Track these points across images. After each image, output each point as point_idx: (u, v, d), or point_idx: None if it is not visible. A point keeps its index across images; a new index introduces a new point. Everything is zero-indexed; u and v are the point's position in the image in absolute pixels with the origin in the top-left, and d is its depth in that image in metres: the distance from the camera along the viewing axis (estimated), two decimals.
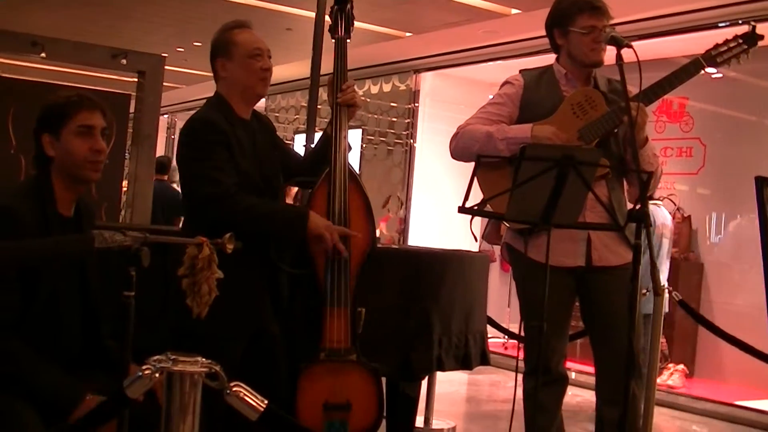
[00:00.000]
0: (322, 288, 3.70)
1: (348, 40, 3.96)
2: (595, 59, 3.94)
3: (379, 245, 4.32)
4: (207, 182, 3.53)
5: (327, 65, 4.69)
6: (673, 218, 9.15)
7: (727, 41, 3.83)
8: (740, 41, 3.82)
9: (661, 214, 8.04)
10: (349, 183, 3.79)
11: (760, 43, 3.86)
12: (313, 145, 4.26)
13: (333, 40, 3.96)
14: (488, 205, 3.56)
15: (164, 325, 3.60)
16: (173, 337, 3.43)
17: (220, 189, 3.50)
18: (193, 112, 3.78)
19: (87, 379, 3.02)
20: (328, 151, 3.81)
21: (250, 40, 3.70)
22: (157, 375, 2.05)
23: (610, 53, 3.68)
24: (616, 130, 3.87)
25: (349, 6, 3.97)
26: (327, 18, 4.21)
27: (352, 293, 3.73)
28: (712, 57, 3.83)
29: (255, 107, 3.85)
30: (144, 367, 2.06)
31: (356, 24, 4.03)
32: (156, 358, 2.08)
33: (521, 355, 4.00)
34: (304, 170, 3.99)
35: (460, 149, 4.06)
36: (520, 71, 4.16)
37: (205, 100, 3.77)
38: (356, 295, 3.74)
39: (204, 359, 2.10)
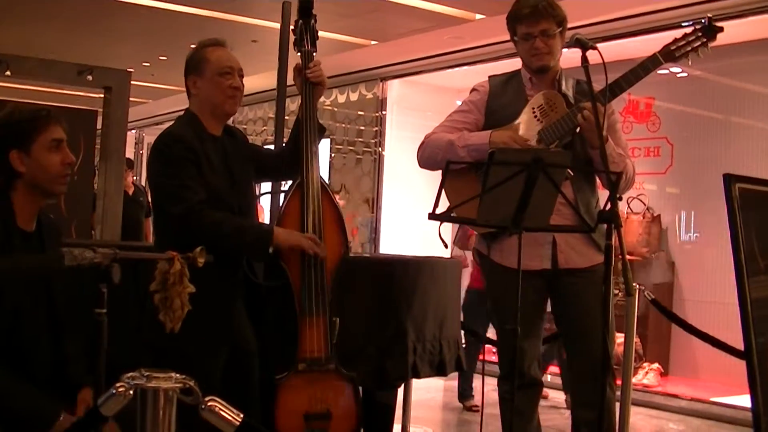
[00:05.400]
0: (298, 297, 3.69)
1: (314, 53, 3.95)
2: (538, 64, 3.93)
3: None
4: (174, 200, 3.53)
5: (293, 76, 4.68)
6: (643, 217, 9.22)
7: (685, 35, 3.83)
8: (699, 34, 3.81)
9: None
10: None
11: (723, 41, 3.87)
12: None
13: (299, 54, 3.95)
14: (458, 211, 3.55)
15: (139, 342, 3.58)
16: (150, 354, 3.41)
17: (186, 207, 3.50)
18: (160, 126, 3.78)
19: (60, 398, 2.99)
20: (299, 137, 3.82)
21: (222, 58, 3.70)
22: (131, 392, 2.03)
23: (575, 55, 3.69)
24: (577, 130, 3.87)
25: (313, 20, 3.97)
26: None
27: (328, 301, 3.73)
28: (670, 52, 3.83)
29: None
30: (118, 384, 2.04)
31: (321, 33, 4.02)
32: (129, 375, 2.06)
33: (489, 359, 3.99)
34: (283, 163, 3.98)
35: (426, 158, 4.08)
36: (489, 77, 4.16)
37: (171, 114, 3.78)
38: (332, 303, 3.75)
39: (178, 375, 2.08)
